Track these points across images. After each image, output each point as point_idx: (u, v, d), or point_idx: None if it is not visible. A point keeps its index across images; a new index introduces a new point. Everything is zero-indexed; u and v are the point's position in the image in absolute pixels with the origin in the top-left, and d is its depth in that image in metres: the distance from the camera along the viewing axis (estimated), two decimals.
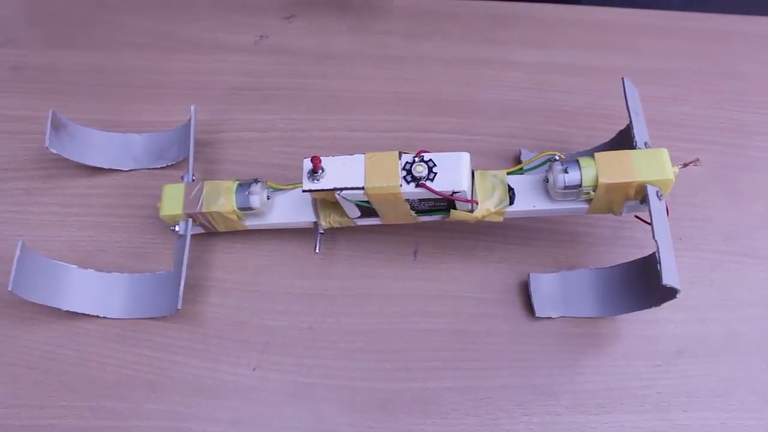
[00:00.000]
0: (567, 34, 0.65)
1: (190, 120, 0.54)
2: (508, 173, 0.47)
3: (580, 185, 0.44)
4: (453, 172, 0.43)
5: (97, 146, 0.56)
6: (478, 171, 0.47)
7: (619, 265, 0.48)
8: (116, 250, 0.52)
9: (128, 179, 0.56)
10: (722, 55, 0.63)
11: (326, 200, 0.48)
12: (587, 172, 0.43)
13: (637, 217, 0.48)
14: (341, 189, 0.44)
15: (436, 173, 0.43)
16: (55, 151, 0.52)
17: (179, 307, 0.46)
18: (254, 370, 0.48)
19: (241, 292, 0.51)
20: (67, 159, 0.53)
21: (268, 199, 0.49)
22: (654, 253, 0.41)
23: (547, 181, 0.45)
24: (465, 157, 0.43)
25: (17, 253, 0.44)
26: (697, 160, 0.46)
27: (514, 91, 0.61)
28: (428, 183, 0.43)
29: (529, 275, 0.50)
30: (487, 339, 0.49)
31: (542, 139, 0.57)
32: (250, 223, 0.50)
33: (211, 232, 0.51)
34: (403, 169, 0.43)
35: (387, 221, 0.48)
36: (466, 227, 0.51)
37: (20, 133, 0.58)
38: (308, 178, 0.44)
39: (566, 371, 0.47)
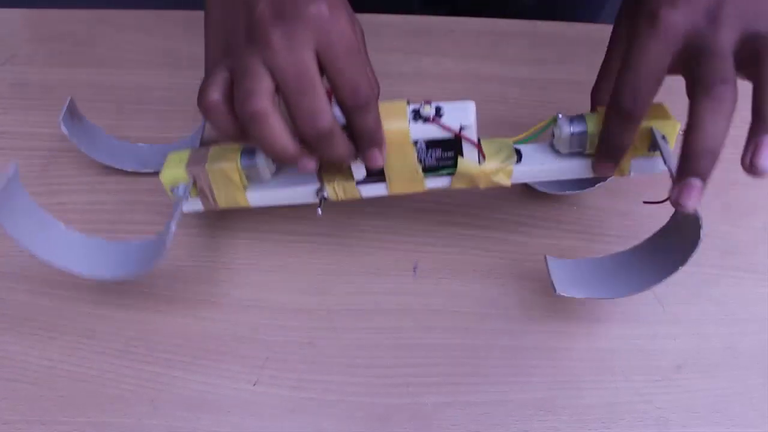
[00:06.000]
0: (564, 51, 0.65)
1: (198, 130, 0.54)
2: (514, 142, 0.48)
3: (586, 132, 0.45)
4: (460, 113, 0.44)
5: (106, 145, 0.56)
6: (484, 138, 0.47)
7: (634, 247, 0.48)
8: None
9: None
10: None
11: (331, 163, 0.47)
12: (592, 121, 0.45)
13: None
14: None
15: (442, 115, 0.44)
16: (66, 132, 0.52)
17: (164, 257, 0.45)
18: (254, 385, 0.48)
19: (241, 308, 0.51)
20: (70, 173, 0.53)
21: (274, 163, 0.48)
22: (672, 217, 0.43)
23: (554, 137, 0.47)
24: (471, 105, 0.45)
25: (10, 172, 0.42)
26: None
27: (513, 106, 0.61)
28: (436, 119, 0.44)
29: (545, 257, 0.49)
30: (487, 354, 0.49)
31: None
32: (252, 195, 0.49)
33: (210, 209, 0.50)
34: (412, 112, 0.45)
35: (393, 188, 0.47)
36: (465, 242, 0.52)
37: (22, 149, 0.58)
38: None
39: (566, 386, 0.48)
